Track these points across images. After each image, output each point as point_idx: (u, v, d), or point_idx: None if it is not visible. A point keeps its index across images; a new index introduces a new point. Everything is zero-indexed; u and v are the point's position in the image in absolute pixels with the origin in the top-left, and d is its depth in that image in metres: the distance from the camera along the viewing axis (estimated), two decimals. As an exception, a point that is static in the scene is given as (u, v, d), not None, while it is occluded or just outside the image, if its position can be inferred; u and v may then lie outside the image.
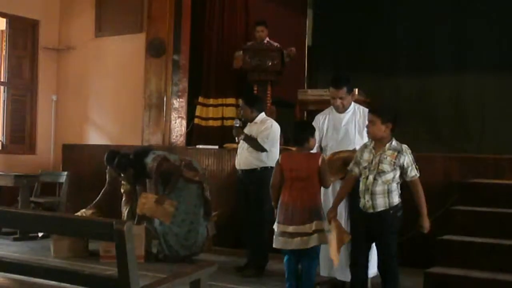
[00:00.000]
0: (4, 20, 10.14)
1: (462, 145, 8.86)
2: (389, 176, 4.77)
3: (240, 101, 7.01)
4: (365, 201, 4.85)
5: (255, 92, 8.57)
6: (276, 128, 6.61)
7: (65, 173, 9.10)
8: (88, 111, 10.22)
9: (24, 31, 10.38)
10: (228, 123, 9.30)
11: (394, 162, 4.75)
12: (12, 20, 10.17)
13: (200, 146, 8.82)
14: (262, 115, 6.71)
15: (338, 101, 5.70)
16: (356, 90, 6.34)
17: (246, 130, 6.58)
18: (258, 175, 6.44)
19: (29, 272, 3.44)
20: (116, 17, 9.94)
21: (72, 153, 9.87)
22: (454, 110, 9.34)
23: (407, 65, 9.68)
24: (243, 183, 6.63)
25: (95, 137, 10.05)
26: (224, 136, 9.04)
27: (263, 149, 6.44)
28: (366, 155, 4.90)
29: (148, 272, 5.81)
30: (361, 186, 4.90)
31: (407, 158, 4.76)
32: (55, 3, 10.58)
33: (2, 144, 10.13)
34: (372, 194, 4.79)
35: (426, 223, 4.78)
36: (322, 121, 5.81)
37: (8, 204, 8.53)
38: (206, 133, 9.58)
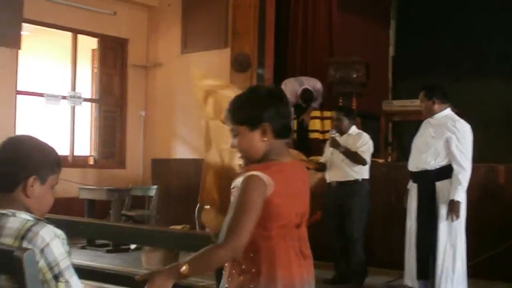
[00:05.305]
0: (96, 39, 10.52)
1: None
2: None
3: (334, 113, 6.98)
4: None
5: (340, 104, 8.56)
6: (371, 140, 6.60)
7: (155, 187, 9.29)
8: (175, 126, 10.45)
9: (114, 50, 10.74)
10: (313, 135, 9.30)
11: None
12: (103, 39, 10.55)
13: (285, 159, 8.84)
14: (354, 127, 6.70)
15: (419, 104, 5.68)
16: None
17: (341, 142, 6.53)
18: (358, 187, 6.42)
19: (121, 282, 3.58)
20: (202, 33, 10.15)
21: (161, 167, 10.09)
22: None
23: (493, 72, 9.43)
24: (337, 196, 6.53)
25: (182, 152, 10.25)
26: (309, 148, 9.05)
27: (364, 162, 6.41)
28: None
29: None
30: None
31: None
32: (143, 22, 10.90)
33: (94, 159, 10.49)
34: None
35: None
36: None
37: (100, 217, 8.77)
38: (291, 146, 9.61)
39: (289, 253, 2.33)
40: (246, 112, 2.36)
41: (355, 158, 6.39)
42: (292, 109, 9.10)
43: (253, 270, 2.29)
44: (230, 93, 3.88)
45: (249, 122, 2.34)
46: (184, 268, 2.21)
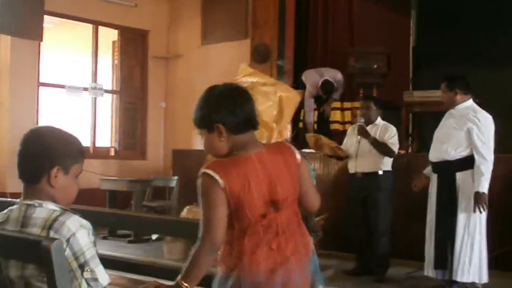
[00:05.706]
0: (116, 31, 10.58)
1: None
2: None
3: (362, 102, 6.93)
4: None
5: (360, 94, 8.54)
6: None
7: (176, 177, 9.32)
8: (195, 117, 10.46)
9: (134, 41, 10.80)
10: (334, 126, 9.29)
11: None
12: (123, 31, 10.61)
13: (306, 150, 8.83)
14: (380, 117, 6.65)
15: (441, 95, 5.64)
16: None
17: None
18: (383, 179, 6.39)
19: (145, 272, 3.61)
20: (221, 25, 10.17)
21: (181, 158, 10.11)
22: None
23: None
24: (362, 188, 6.46)
25: (202, 142, 10.25)
26: (330, 139, 9.03)
27: (392, 154, 6.37)
28: None
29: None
30: None
31: None
32: (163, 14, 10.94)
33: (115, 150, 10.55)
34: None
35: None
36: None
37: (122, 208, 8.83)
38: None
39: (255, 245, 2.35)
40: (200, 116, 2.42)
41: (383, 149, 6.33)
42: (312, 101, 9.11)
43: (230, 264, 2.37)
44: (269, 89, 4.01)
45: (205, 125, 2.41)
46: (183, 283, 2.28)
